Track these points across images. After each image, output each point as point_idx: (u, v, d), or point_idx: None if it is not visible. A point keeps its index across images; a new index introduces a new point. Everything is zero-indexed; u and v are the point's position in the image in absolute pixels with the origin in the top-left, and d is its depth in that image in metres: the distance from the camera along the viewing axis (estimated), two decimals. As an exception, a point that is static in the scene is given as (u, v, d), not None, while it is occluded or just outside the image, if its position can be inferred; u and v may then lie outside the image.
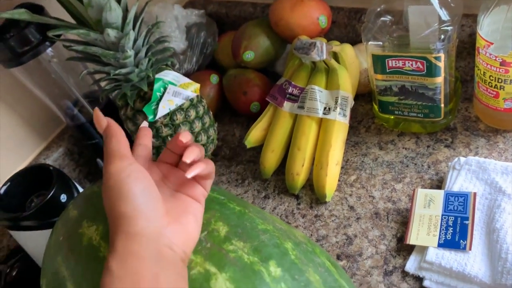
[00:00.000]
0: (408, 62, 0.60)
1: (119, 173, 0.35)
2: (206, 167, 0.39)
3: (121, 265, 0.32)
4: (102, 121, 0.39)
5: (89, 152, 0.78)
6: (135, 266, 0.32)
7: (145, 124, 0.45)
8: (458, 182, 0.59)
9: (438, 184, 0.62)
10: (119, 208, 0.34)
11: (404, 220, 0.60)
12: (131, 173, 0.35)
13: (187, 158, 0.37)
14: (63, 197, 0.61)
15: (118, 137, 0.38)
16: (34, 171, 0.66)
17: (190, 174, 0.37)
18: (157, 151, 0.71)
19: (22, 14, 0.57)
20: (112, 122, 0.39)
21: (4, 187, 0.63)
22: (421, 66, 0.60)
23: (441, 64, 0.58)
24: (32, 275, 0.68)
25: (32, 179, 0.65)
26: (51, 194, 0.60)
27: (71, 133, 0.79)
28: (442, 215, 0.56)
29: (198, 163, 0.38)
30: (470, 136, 0.66)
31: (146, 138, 0.43)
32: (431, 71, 0.59)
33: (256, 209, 0.47)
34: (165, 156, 0.43)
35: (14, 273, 0.68)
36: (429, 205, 0.58)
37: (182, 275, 0.35)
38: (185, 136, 0.40)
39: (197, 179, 0.40)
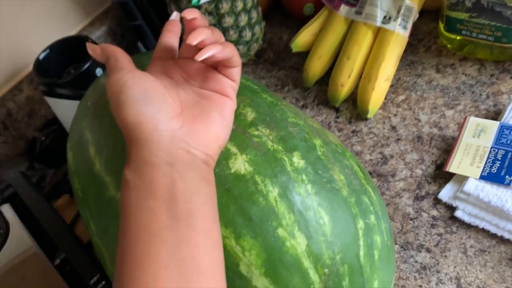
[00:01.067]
0: (491, -29, 0.52)
1: (115, 84, 0.32)
2: (222, 50, 0.32)
3: (135, 174, 0.30)
4: (95, 48, 0.35)
5: (131, 34, 0.76)
6: (149, 173, 0.30)
7: (174, 16, 0.39)
8: (518, 116, 0.53)
9: (494, 116, 0.57)
10: (122, 118, 0.31)
11: (447, 148, 0.56)
12: (127, 81, 0.32)
13: (192, 39, 0.31)
14: (99, 71, 0.60)
15: (115, 55, 0.34)
16: (74, 42, 0.64)
17: (200, 57, 0.31)
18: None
19: None
20: (106, 44, 0.35)
21: (44, 54, 0.63)
22: (505, -22, 0.52)
23: (530, -23, 0.50)
24: (64, 144, 0.69)
25: (72, 49, 0.64)
26: (87, 65, 0.59)
27: (116, 13, 0.77)
28: (492, 147, 0.51)
29: (210, 45, 0.32)
30: (543, 70, 0.58)
31: (168, 35, 0.38)
32: (516, -16, 0.51)
33: (290, 105, 0.44)
34: (185, 51, 0.37)
35: (48, 141, 0.70)
36: (479, 135, 0.53)
37: (205, 178, 0.31)
38: (190, 13, 0.33)
39: (220, 69, 0.35)
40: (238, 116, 0.38)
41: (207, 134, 0.33)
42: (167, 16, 0.70)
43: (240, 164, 0.34)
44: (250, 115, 0.39)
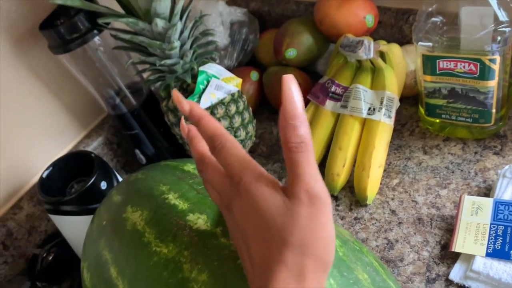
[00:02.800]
0: (460, 64, 0.58)
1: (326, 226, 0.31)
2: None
3: None
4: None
5: (127, 142, 0.78)
6: None
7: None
8: (509, 191, 0.56)
9: (486, 192, 0.60)
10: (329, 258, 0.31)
11: (448, 227, 0.58)
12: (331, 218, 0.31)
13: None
14: (103, 184, 0.62)
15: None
16: (76, 157, 0.66)
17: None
18: (196, 144, 0.71)
19: (74, 1, 0.58)
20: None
21: (47, 172, 0.64)
22: (474, 69, 0.58)
23: (496, 67, 0.56)
24: (68, 260, 0.68)
25: (74, 165, 0.66)
26: (92, 180, 0.61)
27: (111, 123, 0.80)
28: (491, 223, 0.54)
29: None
30: (521, 144, 0.63)
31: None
32: (485, 74, 0.57)
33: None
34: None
35: (50, 258, 0.69)
36: (477, 212, 0.55)
37: None
38: (185, 105, 0.36)
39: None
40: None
41: None
42: (163, 123, 0.73)
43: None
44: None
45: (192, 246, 0.38)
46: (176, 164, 0.51)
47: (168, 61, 0.63)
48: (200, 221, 0.40)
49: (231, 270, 0.36)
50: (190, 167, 0.49)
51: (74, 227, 0.63)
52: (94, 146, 0.78)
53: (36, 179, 0.73)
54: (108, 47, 0.69)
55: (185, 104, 0.36)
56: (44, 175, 0.63)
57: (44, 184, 0.63)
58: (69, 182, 0.67)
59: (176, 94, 0.36)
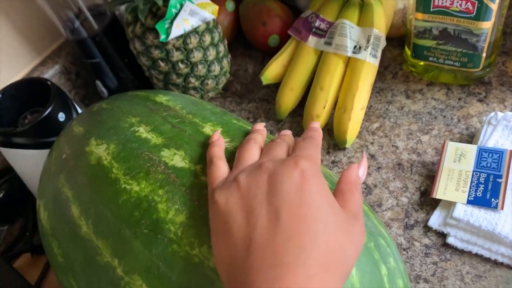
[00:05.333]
0: (457, 1, 0.54)
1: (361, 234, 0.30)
2: None
3: None
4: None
5: (88, 72, 0.71)
6: None
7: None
8: (493, 138, 0.54)
9: (468, 139, 0.58)
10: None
11: (429, 173, 0.56)
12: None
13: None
14: (61, 116, 0.55)
15: None
16: (30, 84, 0.59)
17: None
18: (164, 77, 0.65)
19: None
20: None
21: (-5, 99, 0.57)
22: (471, 7, 0.54)
23: (494, 7, 0.53)
24: (21, 198, 0.63)
25: (27, 93, 0.59)
26: (48, 110, 0.54)
27: (70, 50, 0.72)
28: (474, 171, 0.52)
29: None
30: (506, 92, 0.61)
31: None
32: (481, 14, 0.54)
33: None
34: None
35: (1, 195, 0.63)
36: (460, 159, 0.54)
37: None
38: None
39: None
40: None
41: None
42: (127, 52, 0.66)
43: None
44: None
45: (168, 184, 0.34)
46: (146, 94, 0.45)
47: (137, -21, 0.56)
48: (177, 157, 0.36)
49: (213, 212, 0.32)
50: (162, 98, 0.44)
51: (28, 162, 0.56)
52: (50, 74, 0.71)
53: (-17, 108, 0.65)
54: (66, -41, 0.60)
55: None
56: (-8, 103, 0.56)
57: (-8, 113, 0.56)
58: (22, 112, 0.60)
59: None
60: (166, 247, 0.31)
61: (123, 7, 0.60)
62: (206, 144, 0.37)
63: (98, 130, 0.41)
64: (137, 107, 0.42)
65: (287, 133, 0.38)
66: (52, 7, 0.63)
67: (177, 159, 0.35)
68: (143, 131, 0.39)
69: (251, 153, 0.33)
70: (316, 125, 0.37)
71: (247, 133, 0.40)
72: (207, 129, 0.39)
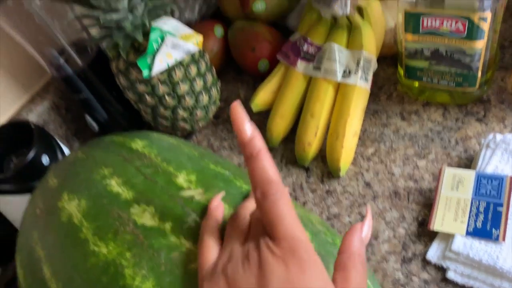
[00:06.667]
0: (447, 22, 0.52)
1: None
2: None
3: None
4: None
5: (77, 107, 0.70)
6: None
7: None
8: (493, 163, 0.52)
9: (467, 163, 0.56)
10: None
11: (427, 201, 0.54)
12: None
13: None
14: (45, 159, 0.54)
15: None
16: (14, 128, 0.58)
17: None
18: (152, 110, 0.64)
19: None
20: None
21: (-21, 145, 0.56)
22: (461, 28, 0.51)
23: (486, 27, 0.50)
24: (13, 239, 0.62)
25: (12, 136, 0.58)
26: (31, 155, 0.53)
27: (57, 85, 0.71)
28: (472, 199, 0.50)
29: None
30: (506, 110, 0.58)
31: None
32: (473, 33, 0.51)
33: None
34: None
35: (-8, 238, 0.62)
36: (458, 187, 0.51)
37: None
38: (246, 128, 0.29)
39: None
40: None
41: None
42: (115, 86, 0.65)
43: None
44: (228, 213, 0.35)
45: (136, 246, 0.32)
46: (123, 140, 0.44)
47: (115, 16, 0.54)
48: (146, 214, 0.34)
49: (181, 277, 0.30)
50: (139, 144, 0.42)
51: (14, 207, 0.56)
52: (39, 111, 0.70)
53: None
54: (46, -1, 0.59)
55: (246, 127, 0.29)
56: (-24, 149, 0.55)
57: (-23, 159, 0.55)
58: (8, 155, 0.59)
59: (236, 109, 0.29)
60: (133, 316, 0.29)
61: (104, 43, 0.59)
62: (176, 196, 0.35)
63: (71, 183, 0.39)
64: (111, 156, 0.41)
65: (249, 209, 0.34)
66: (34, 45, 0.62)
67: (146, 217, 0.34)
68: (114, 184, 0.37)
69: (239, 232, 0.31)
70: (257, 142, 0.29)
71: (224, 180, 0.39)
72: (181, 178, 0.37)
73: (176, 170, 0.38)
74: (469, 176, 0.51)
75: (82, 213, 0.36)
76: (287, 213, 0.28)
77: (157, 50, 0.57)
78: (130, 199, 0.36)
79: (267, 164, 0.28)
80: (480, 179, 0.51)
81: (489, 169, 0.52)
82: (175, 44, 0.58)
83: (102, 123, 0.70)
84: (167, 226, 0.33)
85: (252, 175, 0.28)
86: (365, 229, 0.30)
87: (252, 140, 0.28)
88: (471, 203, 0.49)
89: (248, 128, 0.29)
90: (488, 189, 0.50)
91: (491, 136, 0.54)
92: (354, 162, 0.60)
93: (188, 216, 0.34)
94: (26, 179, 0.54)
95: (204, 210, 0.34)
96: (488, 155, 0.53)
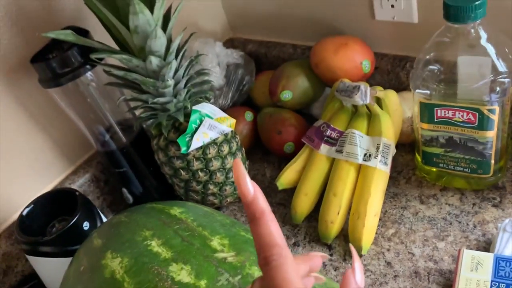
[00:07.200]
0: (459, 113, 0.57)
1: None
2: None
3: None
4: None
5: (115, 180, 0.76)
6: None
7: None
8: (510, 246, 0.54)
9: (485, 246, 0.57)
10: None
11: (446, 282, 0.55)
12: None
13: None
14: (86, 225, 0.59)
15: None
16: (59, 195, 0.64)
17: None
18: (185, 184, 0.68)
19: (68, 35, 0.57)
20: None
21: (27, 209, 0.61)
22: (472, 118, 0.56)
23: (495, 118, 0.55)
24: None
25: (56, 203, 0.63)
26: (74, 220, 0.58)
27: (100, 160, 0.77)
28: (492, 281, 0.51)
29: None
30: (521, 197, 0.61)
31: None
32: (483, 124, 0.56)
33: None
34: None
35: (25, 301, 0.65)
36: (477, 268, 0.53)
37: None
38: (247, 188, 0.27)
39: None
40: (245, 277, 0.37)
41: None
42: (153, 161, 0.71)
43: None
44: (258, 274, 0.38)
45: (173, 300, 0.35)
46: (162, 207, 0.48)
47: (161, 99, 0.62)
48: (183, 272, 0.37)
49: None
50: (176, 211, 0.47)
51: (52, 270, 0.59)
52: (80, 183, 0.76)
53: (17, 215, 0.69)
54: (100, 82, 0.67)
55: (249, 185, 0.27)
56: (24, 213, 0.60)
57: (23, 222, 0.60)
58: (51, 220, 0.63)
59: (238, 165, 0.27)
60: None
61: (149, 122, 0.66)
62: (211, 257, 0.39)
63: (115, 243, 0.43)
64: (152, 220, 0.45)
65: None
66: (85, 123, 0.70)
67: (184, 274, 0.37)
68: (154, 245, 0.41)
69: None
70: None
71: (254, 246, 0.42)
72: (215, 242, 0.41)
73: (210, 234, 0.42)
74: (487, 258, 0.53)
75: (125, 270, 0.39)
76: (292, 279, 0.25)
77: (196, 130, 0.63)
78: (168, 258, 0.39)
79: (271, 227, 0.26)
80: (499, 261, 0.52)
81: (507, 252, 0.53)
82: (212, 125, 0.64)
83: (137, 195, 0.75)
84: (202, 283, 0.36)
85: (254, 239, 0.27)
86: (358, 276, 0.29)
87: (254, 200, 0.27)
88: (491, 284, 0.51)
89: (250, 187, 0.27)
90: (507, 272, 0.51)
91: (507, 220, 0.56)
92: (375, 242, 0.62)
93: (221, 275, 0.37)
94: (66, 243, 0.58)
95: (236, 271, 0.37)
96: (506, 238, 0.55)
